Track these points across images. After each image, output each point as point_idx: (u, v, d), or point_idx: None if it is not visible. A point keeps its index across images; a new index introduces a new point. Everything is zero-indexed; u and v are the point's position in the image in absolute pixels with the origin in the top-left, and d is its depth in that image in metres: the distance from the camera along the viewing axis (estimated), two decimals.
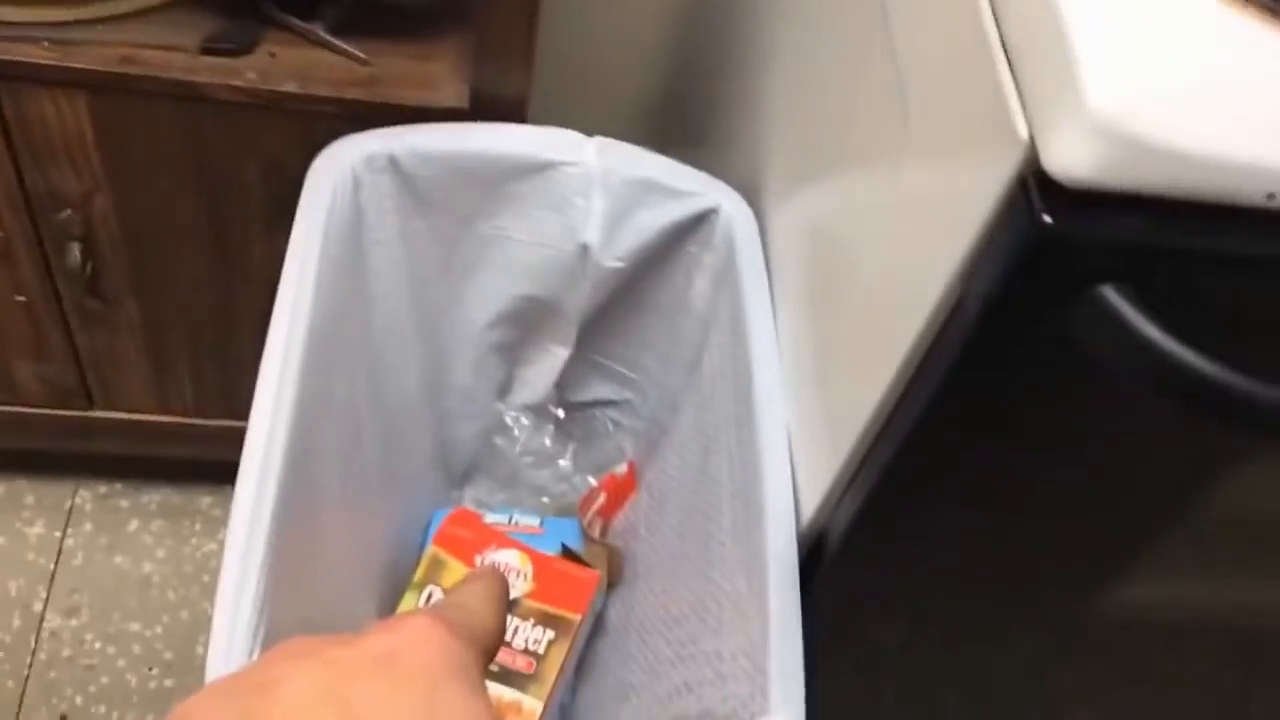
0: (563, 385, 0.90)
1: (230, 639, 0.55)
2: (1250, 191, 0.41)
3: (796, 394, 0.67)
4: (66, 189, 0.81)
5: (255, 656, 0.55)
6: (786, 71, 0.76)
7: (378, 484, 0.77)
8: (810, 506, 0.64)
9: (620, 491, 0.89)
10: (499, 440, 0.91)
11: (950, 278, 0.47)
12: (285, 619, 0.59)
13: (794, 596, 0.59)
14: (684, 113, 1.09)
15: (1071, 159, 0.40)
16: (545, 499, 0.93)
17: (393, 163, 0.73)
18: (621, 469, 0.90)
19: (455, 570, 0.81)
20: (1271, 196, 0.41)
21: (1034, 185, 0.42)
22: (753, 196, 0.78)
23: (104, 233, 0.85)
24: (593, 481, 0.91)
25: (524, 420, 0.90)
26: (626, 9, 1.10)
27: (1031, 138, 0.42)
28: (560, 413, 0.91)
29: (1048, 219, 0.41)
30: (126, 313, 0.91)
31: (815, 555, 0.64)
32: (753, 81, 0.84)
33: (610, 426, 0.92)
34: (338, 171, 0.70)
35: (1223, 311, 0.44)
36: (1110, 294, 0.43)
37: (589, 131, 1.19)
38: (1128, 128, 0.39)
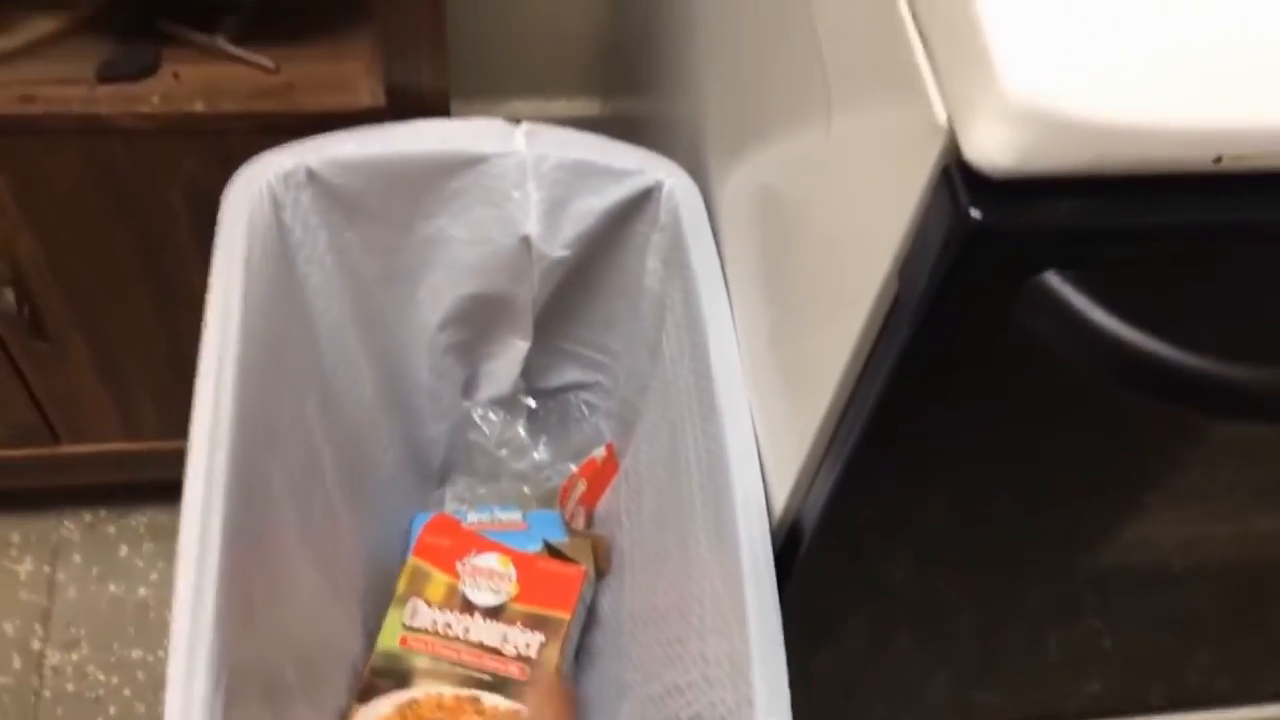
0: (530, 374, 0.87)
1: (188, 696, 0.53)
2: (1195, 158, 0.38)
3: (756, 377, 0.64)
4: None
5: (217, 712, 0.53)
6: (716, 28, 0.72)
7: (344, 503, 0.75)
8: (781, 495, 0.61)
9: (601, 477, 0.87)
10: (472, 436, 0.89)
11: (886, 271, 0.44)
12: (252, 661, 0.58)
13: (772, 600, 0.57)
14: (629, 64, 1.05)
15: (994, 148, 0.37)
16: (526, 489, 0.91)
17: (312, 177, 0.69)
18: (600, 453, 0.87)
19: (438, 581, 0.79)
20: (1219, 160, 0.38)
21: (958, 177, 0.38)
22: (697, 163, 0.74)
23: (35, 275, 0.82)
24: (573, 468, 0.89)
25: (492, 415, 0.87)
26: None
27: (951, 126, 0.38)
28: (531, 402, 0.89)
29: (975, 213, 0.38)
30: (74, 350, 0.89)
31: (792, 545, 0.62)
32: (686, 36, 0.80)
33: (585, 410, 0.90)
34: (253, 196, 0.67)
35: (1179, 287, 0.41)
36: (1053, 282, 0.40)
37: (534, 91, 1.15)
38: (1051, 109, 0.36)
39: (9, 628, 1.07)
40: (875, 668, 0.81)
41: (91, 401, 0.94)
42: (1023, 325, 0.41)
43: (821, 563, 0.62)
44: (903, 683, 0.84)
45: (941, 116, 0.38)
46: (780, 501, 0.62)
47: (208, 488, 0.57)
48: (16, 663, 1.05)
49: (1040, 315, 0.40)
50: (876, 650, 0.78)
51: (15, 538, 1.11)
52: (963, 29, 0.37)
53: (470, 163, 0.71)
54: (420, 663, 0.76)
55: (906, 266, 0.43)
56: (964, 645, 0.81)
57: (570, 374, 0.88)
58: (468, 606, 0.78)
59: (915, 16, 0.40)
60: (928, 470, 0.54)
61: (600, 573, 0.82)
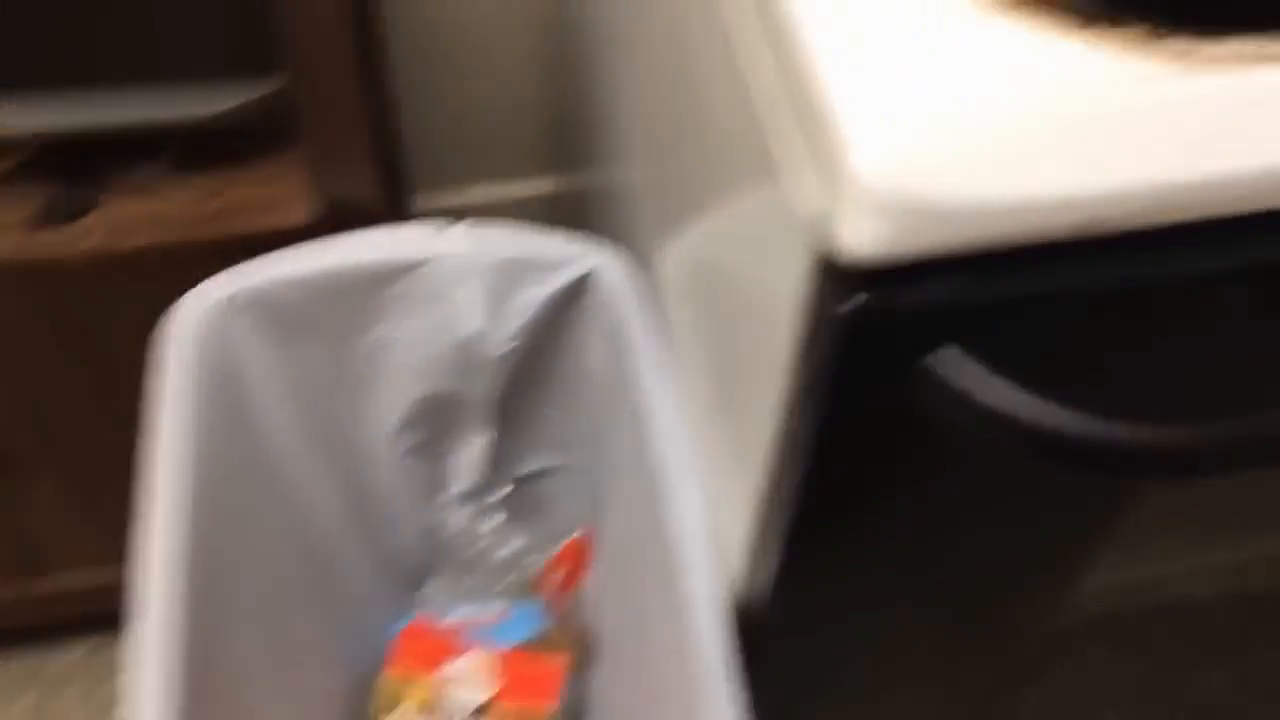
0: (500, 464, 0.87)
1: None
2: (1058, 226, 0.38)
3: (707, 454, 0.64)
4: None
5: None
6: (636, 106, 0.73)
7: (316, 622, 0.75)
8: (736, 573, 0.61)
9: (579, 561, 0.86)
10: (447, 534, 0.88)
11: (785, 361, 0.44)
12: None
13: (731, 691, 0.56)
14: (576, 141, 1.06)
15: (858, 236, 0.37)
16: (510, 578, 0.91)
17: (252, 299, 0.69)
18: (578, 535, 0.87)
19: (419, 686, 0.79)
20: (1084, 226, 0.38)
21: (829, 270, 0.38)
22: (638, 238, 0.74)
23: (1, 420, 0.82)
24: (552, 554, 0.89)
25: (465, 511, 0.87)
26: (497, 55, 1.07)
27: (818, 218, 0.38)
28: (503, 492, 0.89)
29: (848, 305, 0.38)
30: (49, 490, 0.89)
31: (754, 622, 0.61)
32: (614, 112, 0.81)
33: (559, 495, 0.89)
34: (195, 324, 0.67)
35: (1074, 350, 0.40)
36: (942, 361, 0.39)
37: (494, 175, 1.17)
38: (906, 195, 0.36)
39: None
40: None
41: (72, 534, 0.95)
42: (922, 409, 0.41)
43: (783, 639, 0.61)
44: None
45: (809, 208, 0.39)
46: (737, 579, 0.61)
47: (163, 626, 0.58)
48: None
49: (935, 396, 0.40)
50: (871, 712, 0.77)
51: (12, 673, 1.11)
52: (816, 124, 0.37)
53: (408, 268, 0.72)
54: None
55: (801, 354, 0.43)
56: (965, 693, 0.79)
57: (538, 460, 0.87)
58: (451, 710, 0.77)
59: (777, 112, 0.41)
60: (865, 546, 0.54)
61: (582, 661, 0.82)
